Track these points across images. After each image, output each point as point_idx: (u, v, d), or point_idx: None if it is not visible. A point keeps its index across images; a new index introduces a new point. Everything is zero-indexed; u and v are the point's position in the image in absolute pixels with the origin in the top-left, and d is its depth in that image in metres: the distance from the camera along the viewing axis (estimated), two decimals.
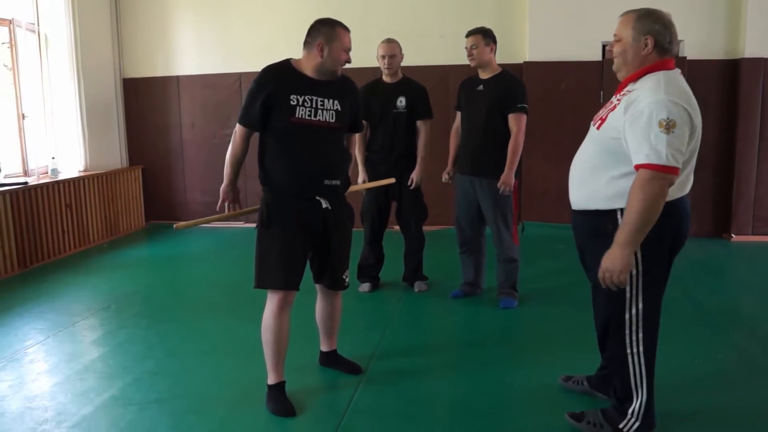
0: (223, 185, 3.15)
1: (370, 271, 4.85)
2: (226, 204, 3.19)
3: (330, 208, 3.02)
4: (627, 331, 2.61)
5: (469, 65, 4.43)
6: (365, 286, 4.83)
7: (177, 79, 7.40)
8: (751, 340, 3.86)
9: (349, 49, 2.98)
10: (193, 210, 7.53)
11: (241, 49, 7.20)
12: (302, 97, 2.92)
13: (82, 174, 6.65)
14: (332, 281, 3.21)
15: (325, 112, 2.96)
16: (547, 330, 4.09)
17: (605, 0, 6.26)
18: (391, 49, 4.57)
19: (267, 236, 2.99)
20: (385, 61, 4.56)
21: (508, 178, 4.23)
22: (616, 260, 2.38)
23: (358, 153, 4.67)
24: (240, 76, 7.20)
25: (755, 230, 6.50)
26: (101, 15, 7.17)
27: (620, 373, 2.69)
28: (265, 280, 3.00)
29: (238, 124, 3.02)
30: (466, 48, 4.32)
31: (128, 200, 7.27)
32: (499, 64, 4.39)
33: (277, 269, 2.96)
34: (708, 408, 3.01)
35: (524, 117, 4.26)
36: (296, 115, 2.90)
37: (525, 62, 6.62)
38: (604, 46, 6.52)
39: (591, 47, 6.54)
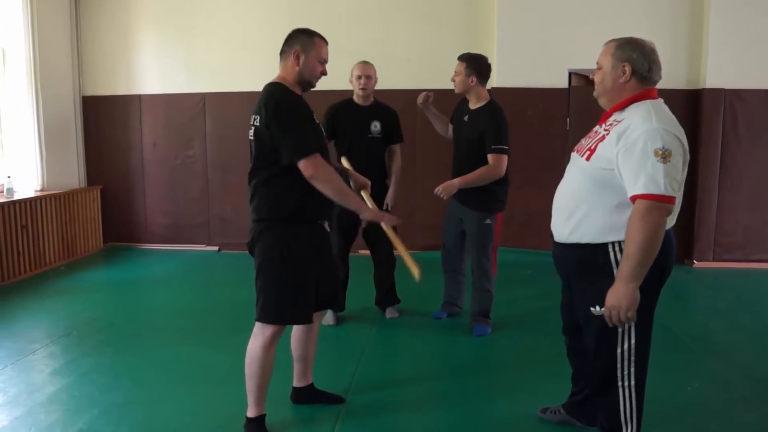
0: (368, 211, 2.93)
1: None
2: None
3: (328, 230, 3.04)
4: (619, 365, 2.57)
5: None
6: (329, 319, 4.60)
7: (139, 97, 7.22)
8: (726, 366, 3.91)
9: (325, 61, 2.91)
10: (153, 232, 7.36)
11: (206, 69, 7.09)
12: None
13: (38, 194, 6.42)
14: (338, 300, 3.24)
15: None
16: (522, 357, 4.07)
17: (572, 28, 6.43)
18: (367, 69, 4.51)
19: (286, 270, 2.81)
20: (361, 81, 4.48)
21: (451, 187, 4.11)
22: (621, 297, 2.32)
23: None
24: (204, 96, 7.08)
25: (716, 257, 6.61)
26: (61, 31, 6.97)
27: (610, 406, 2.65)
28: (283, 316, 2.86)
29: (308, 159, 2.69)
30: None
31: (86, 221, 7.03)
32: None
33: (299, 304, 2.85)
34: None
35: (504, 157, 4.14)
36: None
37: (492, 88, 6.62)
38: (570, 74, 6.61)
39: (558, 75, 6.60)
